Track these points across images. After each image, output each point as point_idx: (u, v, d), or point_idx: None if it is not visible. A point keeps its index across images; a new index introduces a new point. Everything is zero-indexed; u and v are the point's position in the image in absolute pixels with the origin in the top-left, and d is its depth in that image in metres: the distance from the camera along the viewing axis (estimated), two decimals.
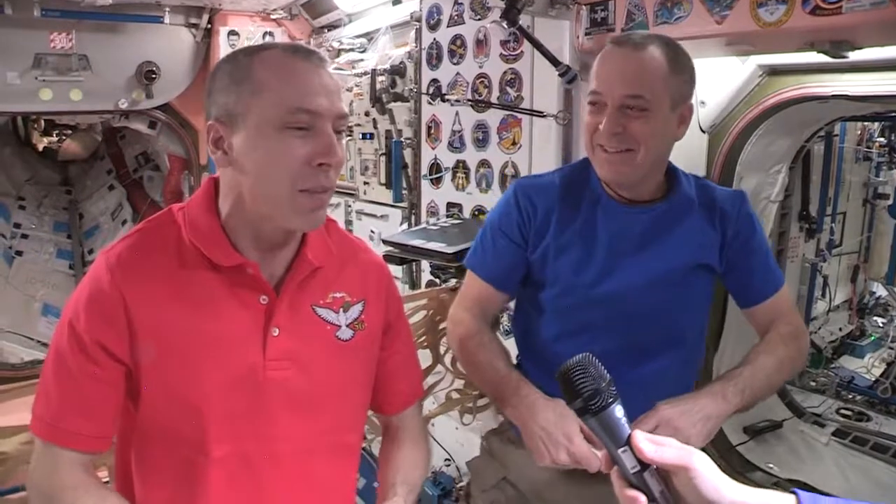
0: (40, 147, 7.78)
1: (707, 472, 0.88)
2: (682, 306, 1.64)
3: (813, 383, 4.12)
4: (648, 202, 1.63)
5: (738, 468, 2.99)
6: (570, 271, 1.63)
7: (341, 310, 1.32)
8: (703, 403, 1.42)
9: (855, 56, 1.89)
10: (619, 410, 0.92)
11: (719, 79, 2.76)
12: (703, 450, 0.98)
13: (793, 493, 0.87)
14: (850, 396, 4.07)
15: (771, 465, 3.07)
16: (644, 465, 0.91)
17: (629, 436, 0.91)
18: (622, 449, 0.91)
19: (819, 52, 1.84)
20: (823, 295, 4.54)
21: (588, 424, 0.93)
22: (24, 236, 6.26)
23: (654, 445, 0.90)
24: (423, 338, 2.12)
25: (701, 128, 2.83)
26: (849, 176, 4.72)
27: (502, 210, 1.73)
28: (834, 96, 2.45)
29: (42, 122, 7.63)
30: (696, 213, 1.64)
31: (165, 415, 1.21)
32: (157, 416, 1.21)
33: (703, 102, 2.79)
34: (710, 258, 1.63)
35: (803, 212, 3.80)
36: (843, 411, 3.84)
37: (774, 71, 2.65)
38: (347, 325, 1.33)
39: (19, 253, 6.12)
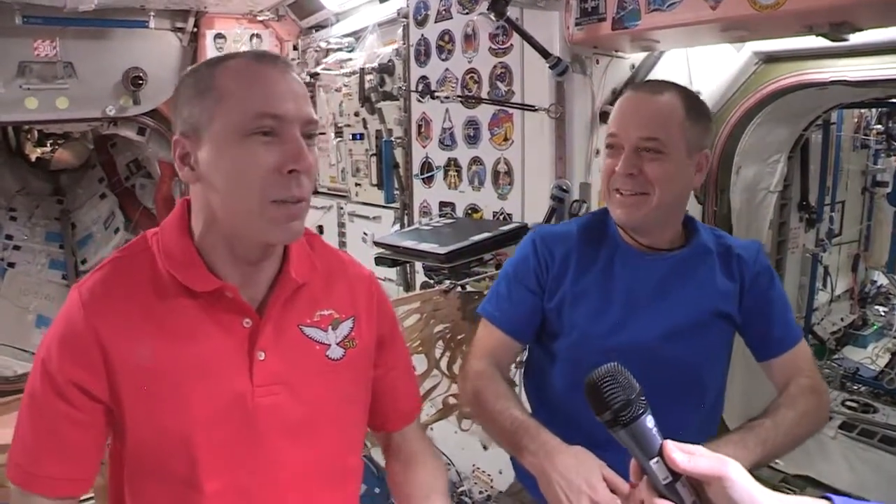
0: (33, 157, 7.70)
1: (742, 481, 0.86)
2: (702, 357, 1.60)
3: None
4: (667, 250, 1.62)
5: None
6: (585, 320, 1.59)
7: (330, 328, 1.26)
8: (723, 452, 1.35)
9: (854, 39, 1.83)
10: (649, 421, 0.90)
11: (714, 67, 2.71)
12: None
13: (826, 497, 0.86)
14: (856, 388, 4.02)
15: (778, 461, 3.01)
16: (676, 475, 0.89)
17: (661, 446, 0.88)
18: (654, 460, 0.89)
19: (818, 35, 1.79)
20: (824, 285, 4.50)
21: (618, 436, 0.91)
22: (17, 247, 6.18)
23: (686, 455, 0.88)
24: (418, 342, 2.06)
25: None
26: (847, 164, 4.68)
27: (519, 258, 1.70)
28: (833, 82, 2.39)
29: (35, 132, 7.55)
30: (713, 261, 1.61)
31: (154, 452, 1.15)
32: (146, 453, 1.15)
33: (698, 92, 2.73)
34: (728, 307, 1.60)
35: (803, 202, 3.76)
36: (848, 403, 3.79)
37: (771, 58, 2.60)
38: (338, 344, 1.26)
39: (11, 265, 6.05)
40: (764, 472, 2.94)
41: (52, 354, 1.12)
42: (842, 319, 4.78)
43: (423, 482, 1.37)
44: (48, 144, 7.82)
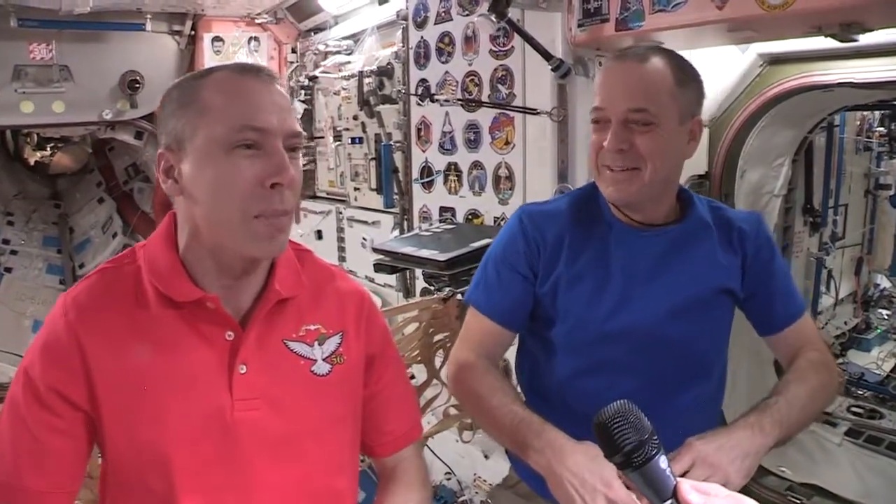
0: (32, 161, 7.66)
1: None
2: (706, 336, 1.53)
3: None
4: (662, 225, 1.53)
5: None
6: (582, 303, 1.51)
7: (316, 343, 1.23)
8: (740, 438, 1.28)
9: (861, 41, 1.79)
10: (663, 461, 0.83)
11: (718, 70, 2.67)
12: None
13: None
14: (861, 393, 3.97)
15: (783, 469, 2.96)
16: None
17: (674, 487, 0.82)
18: (668, 502, 0.83)
19: (827, 36, 1.74)
20: (828, 289, 4.45)
21: (630, 478, 0.85)
22: (14, 252, 6.14)
23: (702, 496, 0.81)
24: (416, 352, 2.01)
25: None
26: (849, 167, 4.63)
27: (506, 240, 1.60)
28: (839, 84, 2.35)
29: (35, 136, 7.51)
30: (713, 235, 1.54)
31: (131, 466, 1.12)
32: (123, 467, 1.13)
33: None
34: (731, 282, 1.53)
35: (807, 205, 3.71)
36: (853, 409, 3.73)
37: (776, 60, 2.56)
38: (324, 359, 1.23)
39: (8, 269, 6.01)
40: (770, 480, 2.90)
41: (35, 361, 1.11)
42: (845, 323, 4.73)
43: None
44: (48, 149, 7.78)
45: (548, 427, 1.35)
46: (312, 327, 1.23)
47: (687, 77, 1.45)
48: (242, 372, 1.15)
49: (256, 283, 1.20)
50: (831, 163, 4.20)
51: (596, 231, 1.54)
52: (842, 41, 1.76)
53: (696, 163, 2.73)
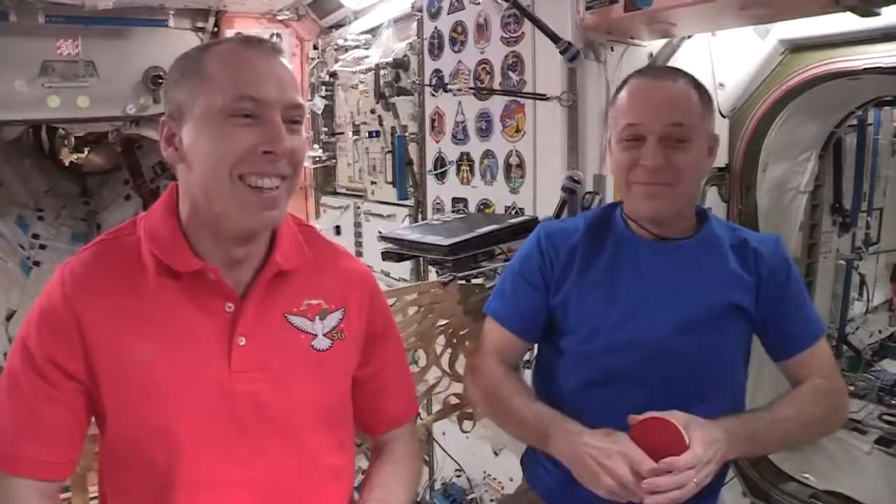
0: (67, 162, 7.79)
1: None
2: (716, 351, 1.51)
3: (852, 387, 3.88)
4: (677, 239, 1.55)
5: (770, 478, 2.77)
6: (593, 313, 1.54)
7: (317, 318, 1.24)
8: (712, 436, 1.33)
9: (888, 20, 1.70)
10: None
11: (738, 58, 2.59)
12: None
13: None
14: (893, 402, 3.82)
15: (807, 475, 2.86)
16: None
17: None
18: None
19: (846, 10, 1.66)
20: (861, 295, 4.31)
21: None
22: (42, 247, 6.29)
23: None
24: (415, 337, 1.96)
25: (721, 112, 2.65)
26: (885, 170, 4.49)
27: (524, 255, 1.67)
28: (865, 70, 2.25)
29: (72, 139, 7.64)
30: (726, 252, 1.55)
31: (130, 438, 1.13)
32: (122, 439, 1.14)
33: (721, 85, 2.62)
34: (744, 300, 1.51)
35: (836, 204, 3.59)
36: (885, 417, 3.59)
37: (798, 46, 2.47)
38: (324, 335, 1.24)
39: (37, 263, 6.15)
40: (792, 486, 2.79)
41: (31, 332, 1.12)
42: (879, 332, 4.58)
43: (375, 485, 1.29)
44: (84, 151, 7.91)
45: (567, 419, 1.43)
46: (314, 302, 1.24)
47: (706, 96, 1.51)
48: (241, 344, 1.15)
49: (257, 256, 1.20)
50: (864, 164, 4.07)
51: (608, 244, 1.58)
52: (862, 16, 1.68)
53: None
